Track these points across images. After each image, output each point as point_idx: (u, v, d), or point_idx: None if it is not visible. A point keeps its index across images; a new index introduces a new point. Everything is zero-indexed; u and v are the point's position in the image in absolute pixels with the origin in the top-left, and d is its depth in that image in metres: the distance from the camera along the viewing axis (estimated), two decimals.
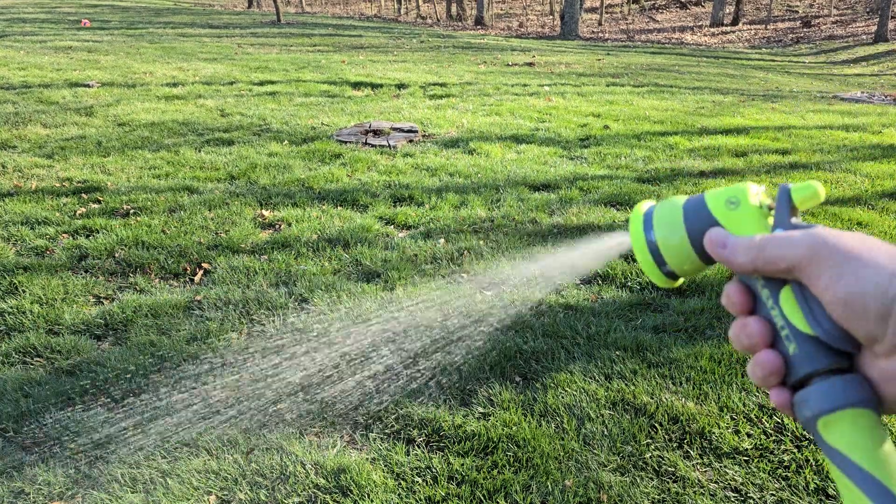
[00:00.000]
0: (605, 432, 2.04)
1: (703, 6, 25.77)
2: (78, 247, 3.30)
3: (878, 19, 18.60)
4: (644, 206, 0.56)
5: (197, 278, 3.05)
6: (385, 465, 1.90)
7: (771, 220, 0.50)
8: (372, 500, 1.77)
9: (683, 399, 2.20)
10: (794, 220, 0.49)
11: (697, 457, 1.96)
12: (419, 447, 1.98)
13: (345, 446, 1.99)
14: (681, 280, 0.56)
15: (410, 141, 5.69)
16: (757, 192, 0.51)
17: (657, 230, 0.53)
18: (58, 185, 4.24)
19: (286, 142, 5.47)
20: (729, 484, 1.87)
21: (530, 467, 1.90)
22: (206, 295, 2.86)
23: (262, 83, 8.27)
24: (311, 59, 11.00)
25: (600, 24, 24.15)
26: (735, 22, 22.93)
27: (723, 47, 19.31)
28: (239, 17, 20.10)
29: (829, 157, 5.52)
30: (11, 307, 2.72)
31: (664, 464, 1.93)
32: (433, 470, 1.88)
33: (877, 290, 0.40)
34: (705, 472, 1.91)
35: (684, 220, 0.52)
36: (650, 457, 1.95)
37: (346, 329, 2.59)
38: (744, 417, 2.12)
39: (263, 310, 2.75)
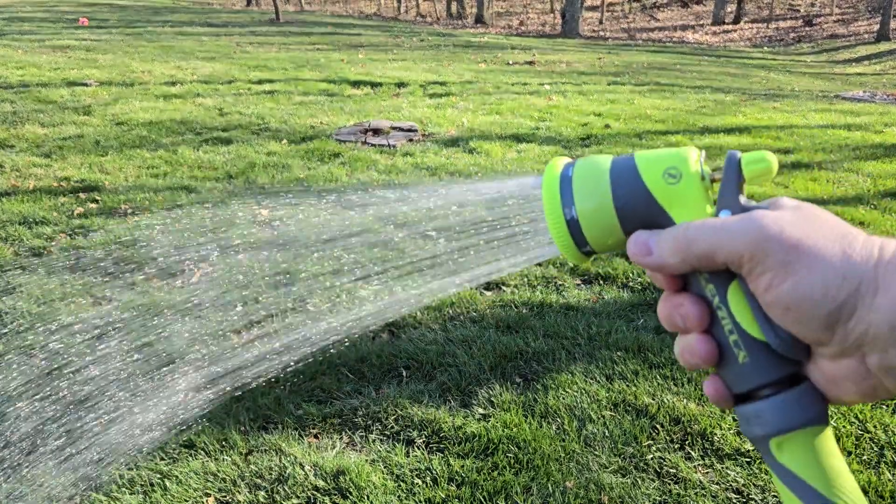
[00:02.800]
0: (607, 433, 2.03)
1: (704, 4, 25.74)
2: (76, 246, 3.29)
3: (880, 18, 18.58)
4: (559, 166, 0.45)
5: (195, 278, 3.04)
6: (385, 467, 1.89)
7: (714, 194, 0.43)
8: (371, 502, 1.76)
9: (685, 400, 2.18)
10: (741, 197, 0.42)
11: (699, 458, 1.95)
12: (419, 448, 1.96)
13: (344, 447, 1.98)
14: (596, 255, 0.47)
15: (410, 140, 5.67)
16: (698, 159, 0.43)
17: (578, 204, 0.43)
18: (55, 184, 4.22)
19: (285, 141, 5.45)
20: (731, 485, 1.85)
21: (531, 469, 1.89)
22: (204, 295, 2.84)
23: (260, 82, 8.25)
24: (310, 57, 10.98)
25: (601, 22, 24.12)
26: (737, 20, 22.91)
27: (724, 46, 19.30)
28: (238, 16, 20.06)
29: (831, 156, 5.51)
30: (9, 307, 2.71)
31: (665, 465, 1.92)
32: (433, 471, 1.87)
33: (824, 296, 0.35)
34: (707, 473, 1.90)
35: (612, 192, 0.42)
36: (651, 458, 1.94)
37: None
38: None
39: (262, 310, 2.73)
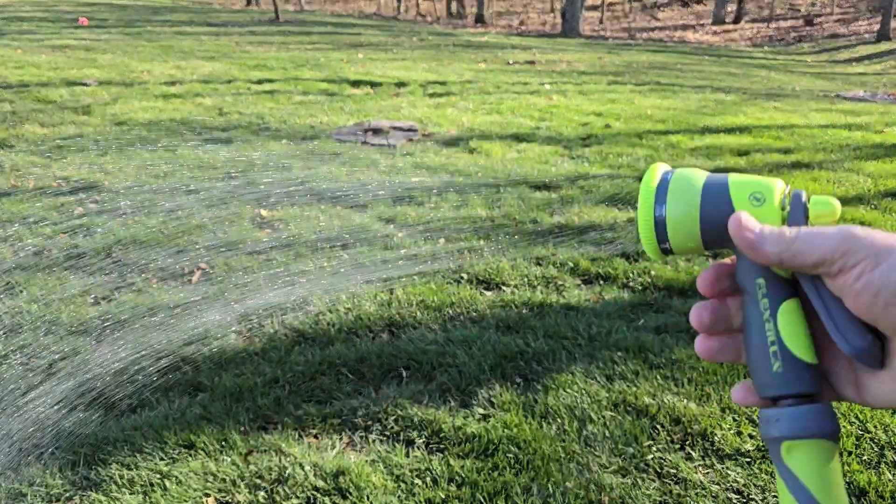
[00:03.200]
0: (607, 434, 2.03)
1: (704, 4, 25.72)
2: (75, 246, 3.29)
3: (880, 18, 18.57)
4: (658, 171, 0.51)
5: (195, 278, 3.03)
6: (384, 467, 1.89)
7: (785, 224, 0.48)
8: (371, 503, 1.76)
9: (685, 400, 2.18)
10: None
11: (699, 458, 1.95)
12: (419, 449, 1.96)
13: (344, 448, 1.97)
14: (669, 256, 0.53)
15: (410, 140, 5.67)
16: (782, 191, 0.49)
17: (669, 206, 0.49)
18: (55, 184, 4.22)
19: (285, 140, 5.45)
20: (731, 486, 1.85)
21: (531, 469, 1.88)
22: (204, 295, 2.84)
23: (260, 81, 8.25)
24: (310, 57, 10.97)
25: (601, 21, 24.11)
26: (737, 20, 22.90)
27: (725, 45, 19.28)
28: (237, 16, 20.05)
29: (831, 156, 5.51)
30: (9, 307, 2.71)
31: (666, 465, 1.92)
32: (433, 472, 1.87)
33: None
34: (707, 473, 1.90)
35: (702, 202, 0.48)
36: (652, 458, 1.94)
37: None
38: (746, 418, 2.11)
39: (262, 310, 2.73)
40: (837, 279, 0.42)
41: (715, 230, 0.48)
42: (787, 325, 0.46)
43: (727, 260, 0.50)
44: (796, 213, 0.47)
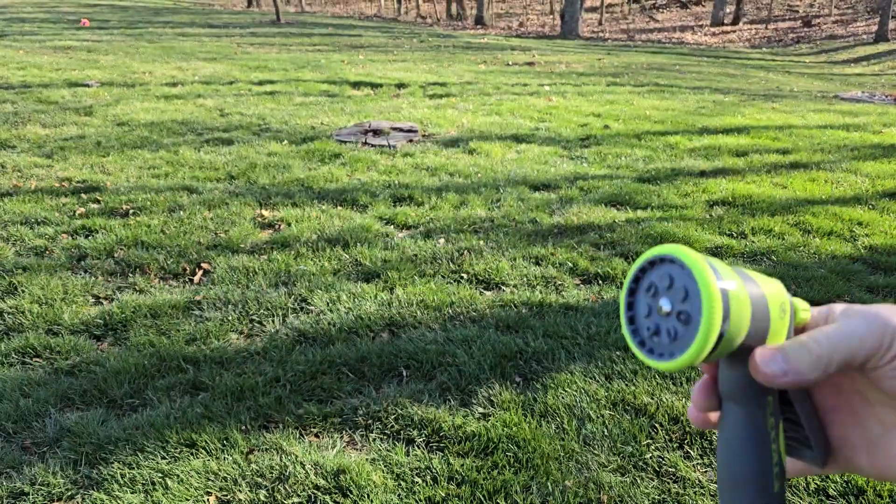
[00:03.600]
0: (606, 433, 2.04)
1: (703, 6, 25.75)
2: (77, 247, 3.30)
3: (878, 19, 18.58)
4: (709, 273, 0.38)
5: (196, 278, 3.04)
6: (385, 466, 1.90)
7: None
8: (372, 501, 1.77)
9: (684, 399, 2.19)
10: None
11: (698, 457, 1.96)
12: (419, 447, 1.97)
13: (344, 447, 1.98)
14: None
15: (410, 140, 5.68)
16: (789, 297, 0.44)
17: (732, 322, 0.39)
18: (57, 184, 4.23)
19: (285, 141, 5.47)
20: None
21: (530, 468, 1.89)
22: (205, 295, 2.85)
23: (261, 83, 8.27)
24: (311, 58, 10.99)
25: (601, 23, 24.13)
26: (736, 21, 22.92)
27: (723, 47, 19.30)
28: (238, 17, 20.08)
29: (829, 156, 5.52)
30: (11, 307, 2.72)
31: (665, 464, 1.93)
32: (433, 470, 1.88)
33: None
34: (706, 472, 1.91)
35: (751, 319, 0.40)
36: (650, 457, 1.95)
37: None
38: None
39: (263, 310, 2.74)
40: (879, 370, 0.39)
41: (748, 344, 0.41)
42: (783, 442, 0.42)
43: (705, 376, 0.44)
44: (790, 315, 0.43)
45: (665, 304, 0.39)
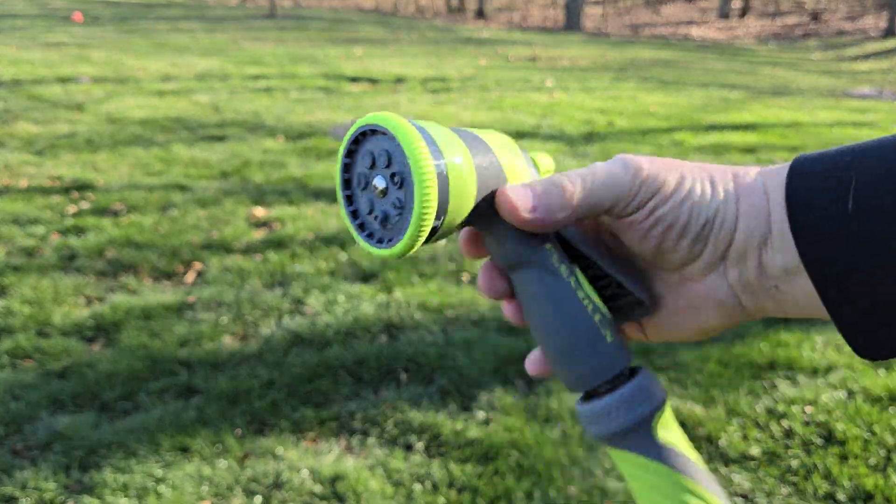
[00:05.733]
0: None
1: (709, 0, 25.68)
2: (68, 246, 3.24)
3: (887, 14, 18.53)
4: (421, 152, 0.32)
5: (189, 279, 2.99)
6: (383, 472, 1.85)
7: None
8: None
9: (691, 404, 2.15)
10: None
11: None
12: (418, 453, 1.93)
13: (341, 452, 1.94)
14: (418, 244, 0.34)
15: None
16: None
17: (452, 206, 0.33)
18: (48, 183, 4.17)
19: (281, 138, 5.40)
20: (736, 490, 1.82)
21: (533, 474, 1.85)
22: (198, 296, 2.80)
23: (256, 78, 8.19)
24: (307, 53, 10.90)
25: (604, 17, 24.06)
26: (742, 16, 22.87)
27: (730, 42, 19.23)
28: (233, 11, 19.95)
29: None
30: (1, 308, 2.66)
31: None
32: (433, 477, 1.83)
33: (704, 199, 0.37)
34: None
35: (478, 195, 0.35)
36: None
37: None
38: (752, 422, 2.08)
39: (258, 311, 2.69)
40: (627, 216, 0.38)
41: (488, 196, 0.36)
42: (592, 289, 0.38)
43: (485, 261, 0.41)
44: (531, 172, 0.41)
45: (379, 182, 0.33)
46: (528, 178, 0.40)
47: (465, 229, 0.40)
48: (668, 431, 0.37)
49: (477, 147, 0.36)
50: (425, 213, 0.32)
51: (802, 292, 0.36)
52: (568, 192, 0.36)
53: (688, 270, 0.39)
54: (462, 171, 0.33)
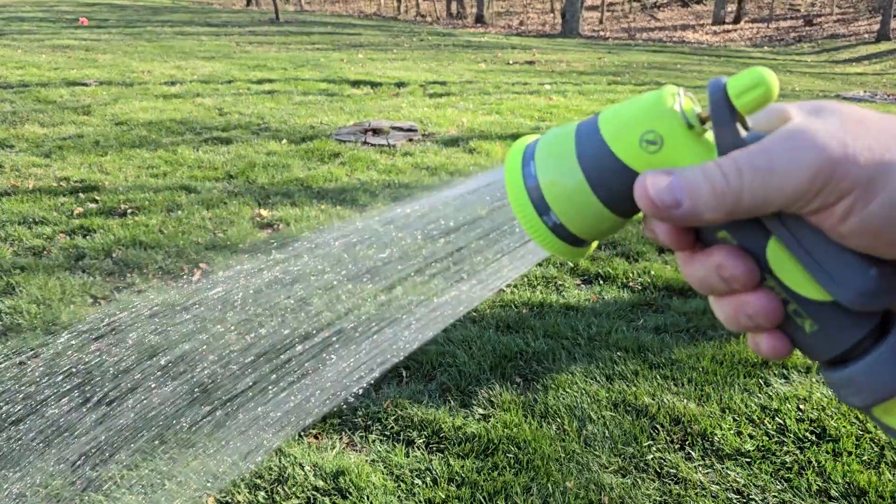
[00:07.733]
0: (607, 434, 2.03)
1: (704, 4, 25.73)
2: (75, 246, 3.29)
3: (880, 18, 18.57)
4: (529, 139, 0.39)
5: (195, 279, 3.03)
6: (384, 467, 1.89)
7: (709, 136, 0.34)
8: (371, 503, 1.76)
9: (685, 400, 2.18)
10: (743, 131, 0.33)
11: (699, 458, 1.95)
12: (419, 449, 1.96)
13: (344, 448, 1.97)
14: (593, 246, 0.38)
15: (410, 140, 5.67)
16: (676, 108, 0.34)
17: (540, 168, 0.36)
18: (55, 184, 4.22)
19: (285, 141, 5.45)
20: (731, 486, 1.85)
21: (531, 469, 1.88)
22: (203, 296, 2.84)
23: (260, 81, 8.25)
24: (310, 57, 10.97)
25: (601, 22, 24.12)
26: (737, 20, 22.91)
27: (725, 46, 19.29)
28: (237, 16, 20.05)
29: None
30: (8, 307, 2.71)
31: (666, 465, 1.92)
32: (433, 472, 1.87)
33: None
34: (707, 473, 1.90)
35: (579, 159, 0.35)
36: (652, 458, 1.94)
37: None
38: (746, 419, 2.11)
39: (262, 311, 2.73)
40: (817, 217, 0.31)
41: (616, 191, 0.35)
42: (789, 270, 0.33)
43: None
44: (721, 116, 0.32)
45: None
46: (669, 153, 0.34)
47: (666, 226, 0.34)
48: None
49: (592, 162, 0.36)
50: (530, 226, 0.37)
51: None
52: (719, 189, 0.30)
53: None
54: (554, 181, 0.36)
